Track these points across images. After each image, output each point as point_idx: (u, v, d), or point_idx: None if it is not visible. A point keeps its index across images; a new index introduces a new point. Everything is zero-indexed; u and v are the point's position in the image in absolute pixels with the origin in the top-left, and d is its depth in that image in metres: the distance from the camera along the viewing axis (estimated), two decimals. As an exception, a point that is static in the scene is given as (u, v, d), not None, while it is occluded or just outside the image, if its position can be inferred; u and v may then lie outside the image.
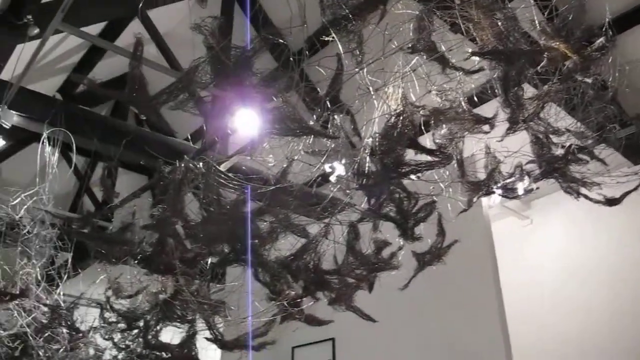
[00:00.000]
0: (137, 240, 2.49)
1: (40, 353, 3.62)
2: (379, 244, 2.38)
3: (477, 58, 2.00)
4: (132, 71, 1.84)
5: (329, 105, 2.23)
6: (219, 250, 2.28)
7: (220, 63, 1.71)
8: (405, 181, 2.23)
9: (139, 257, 2.42)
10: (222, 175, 2.06)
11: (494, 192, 2.58)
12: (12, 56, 4.53)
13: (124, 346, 5.59)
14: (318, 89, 2.29)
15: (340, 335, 5.03)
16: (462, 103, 2.25)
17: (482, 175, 2.65)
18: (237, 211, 2.12)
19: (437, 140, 2.33)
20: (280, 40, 2.03)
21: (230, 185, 2.06)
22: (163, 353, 5.77)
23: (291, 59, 2.12)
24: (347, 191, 2.38)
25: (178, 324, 2.75)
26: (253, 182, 2.20)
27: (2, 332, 3.91)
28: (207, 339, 2.60)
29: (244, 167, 3.52)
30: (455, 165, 2.46)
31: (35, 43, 4.05)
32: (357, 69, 1.95)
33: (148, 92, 1.83)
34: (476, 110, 2.31)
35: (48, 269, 4.21)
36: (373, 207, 2.17)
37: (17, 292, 3.36)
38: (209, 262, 2.49)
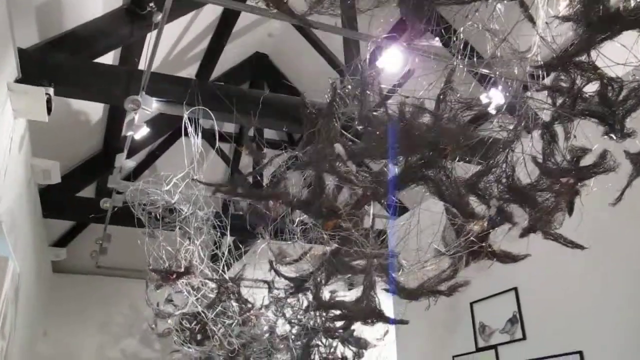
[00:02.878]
0: (291, 192, 2.26)
1: (215, 329, 3.57)
2: (575, 152, 1.92)
3: None
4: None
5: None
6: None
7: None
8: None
9: (296, 204, 2.18)
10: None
11: None
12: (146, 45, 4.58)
13: (295, 321, 5.57)
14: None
15: (524, 283, 4.54)
16: None
17: None
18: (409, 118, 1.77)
19: None
20: None
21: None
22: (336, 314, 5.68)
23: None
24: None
25: (349, 278, 2.48)
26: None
27: (176, 312, 3.93)
28: (386, 290, 2.31)
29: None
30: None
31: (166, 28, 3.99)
32: None
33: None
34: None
35: (212, 250, 4.21)
36: (568, 101, 1.72)
37: (182, 271, 3.30)
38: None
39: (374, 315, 2.22)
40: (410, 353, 5.77)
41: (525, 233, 2.11)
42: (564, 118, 1.83)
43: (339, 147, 1.95)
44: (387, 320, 2.33)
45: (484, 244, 2.10)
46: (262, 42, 7.08)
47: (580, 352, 3.97)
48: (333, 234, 2.17)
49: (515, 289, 4.61)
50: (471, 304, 5.04)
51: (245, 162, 7.57)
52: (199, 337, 4.91)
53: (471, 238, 2.05)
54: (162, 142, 7.28)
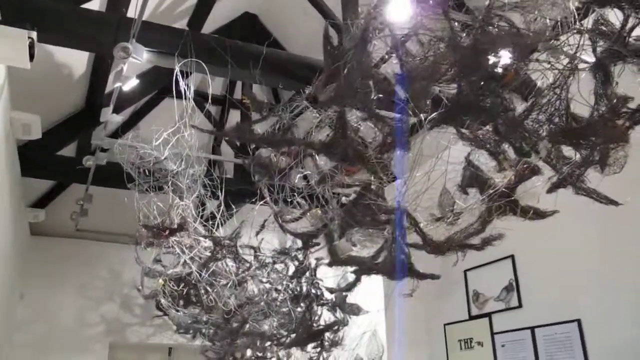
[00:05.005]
0: (303, 138, 2.09)
1: (209, 289, 3.40)
2: (617, 101, 1.77)
3: None
4: None
5: None
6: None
7: None
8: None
9: (319, 146, 2.01)
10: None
11: None
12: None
13: (280, 287, 5.45)
14: None
15: (521, 251, 4.45)
16: None
17: None
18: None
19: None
20: None
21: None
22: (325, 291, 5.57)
23: None
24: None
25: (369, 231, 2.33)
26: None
27: (168, 271, 3.75)
28: (409, 244, 2.16)
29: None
30: None
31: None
32: None
33: None
34: None
35: (202, 209, 4.03)
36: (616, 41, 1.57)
37: (175, 227, 3.12)
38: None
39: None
40: (400, 320, 5.70)
41: (553, 188, 1.98)
42: (612, 59, 1.69)
43: (387, 70, 1.76)
44: (416, 274, 2.20)
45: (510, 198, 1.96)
46: (252, 1, 6.83)
47: (578, 321, 3.90)
48: (354, 183, 2.02)
49: (512, 256, 4.53)
50: (465, 271, 4.95)
51: (233, 124, 7.35)
52: (188, 299, 4.76)
53: (495, 192, 1.91)
54: (146, 102, 7.03)
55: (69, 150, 6.38)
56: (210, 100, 4.34)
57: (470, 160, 2.13)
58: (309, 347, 5.72)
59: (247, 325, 4.29)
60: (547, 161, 1.89)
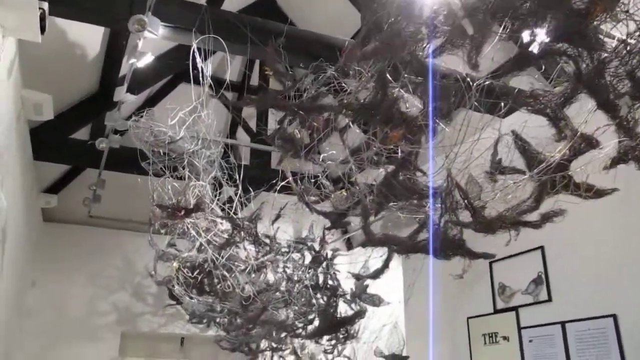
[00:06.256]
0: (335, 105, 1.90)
1: (226, 274, 3.21)
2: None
3: None
4: None
5: None
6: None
7: None
8: None
9: (358, 108, 1.82)
10: None
11: None
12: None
13: (297, 279, 5.27)
14: None
15: (552, 242, 4.22)
16: None
17: None
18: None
19: None
20: None
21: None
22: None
23: None
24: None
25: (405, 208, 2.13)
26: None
27: (183, 254, 3.58)
28: (454, 222, 1.95)
29: None
30: None
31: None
32: None
33: None
34: None
35: (219, 192, 3.86)
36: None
37: (191, 207, 2.94)
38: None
39: (453, 246, 1.88)
40: (420, 313, 5.48)
41: (614, 164, 1.77)
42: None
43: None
44: (467, 253, 2.00)
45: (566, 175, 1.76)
46: (270, -16, 6.65)
47: (614, 316, 3.69)
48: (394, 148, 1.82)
49: (542, 247, 4.31)
50: (490, 263, 4.73)
51: (250, 112, 7.19)
52: (201, 288, 4.59)
53: (551, 166, 1.71)
54: (161, 87, 6.88)
55: (82, 134, 6.24)
56: (228, 81, 4.17)
57: (518, 134, 1.94)
58: (324, 339, 5.55)
59: (266, 313, 4.12)
60: (623, 124, 1.69)
